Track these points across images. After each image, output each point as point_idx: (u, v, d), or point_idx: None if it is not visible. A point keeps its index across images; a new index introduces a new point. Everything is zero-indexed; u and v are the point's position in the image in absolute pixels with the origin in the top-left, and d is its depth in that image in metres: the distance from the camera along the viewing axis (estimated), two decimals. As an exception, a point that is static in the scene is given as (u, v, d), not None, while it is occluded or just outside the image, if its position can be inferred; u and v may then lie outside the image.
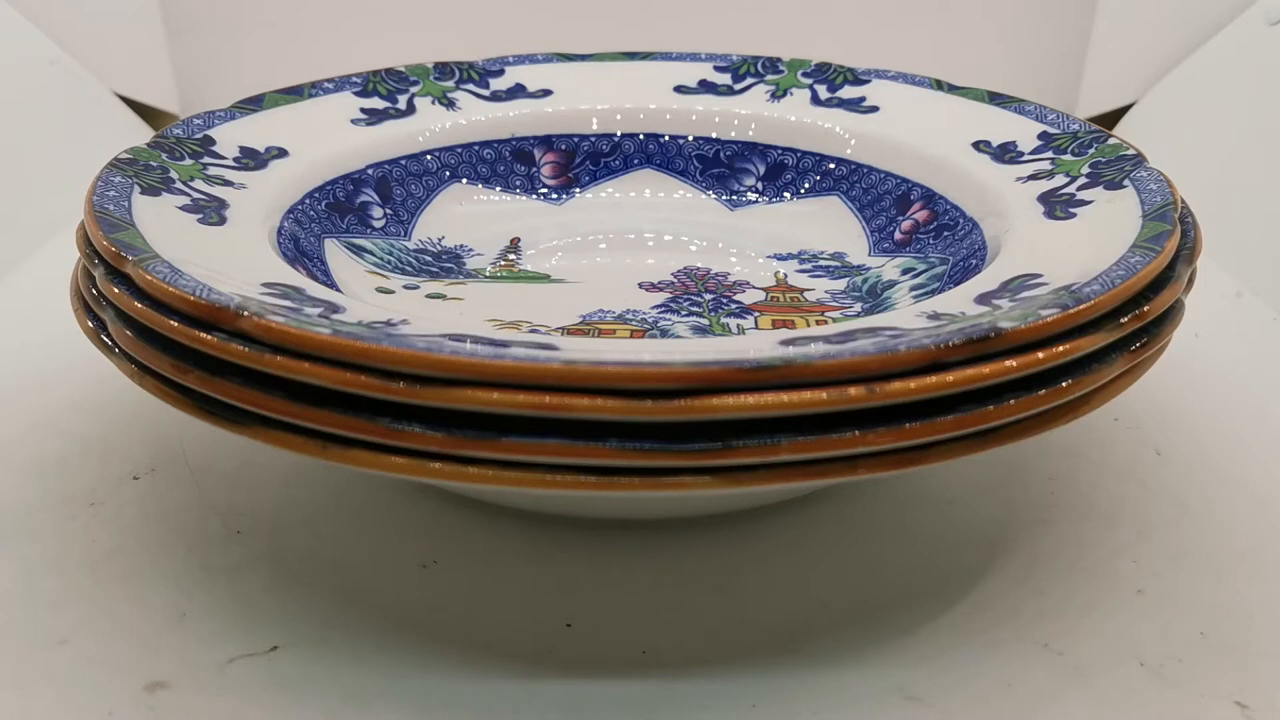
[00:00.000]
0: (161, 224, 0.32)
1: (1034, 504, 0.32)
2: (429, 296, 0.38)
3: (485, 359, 0.25)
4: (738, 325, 0.36)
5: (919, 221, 0.40)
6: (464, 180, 0.43)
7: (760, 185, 0.44)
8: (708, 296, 0.38)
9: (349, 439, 0.26)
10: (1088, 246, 0.32)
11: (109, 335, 0.30)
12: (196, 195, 0.35)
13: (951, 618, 0.31)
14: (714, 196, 0.44)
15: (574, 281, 0.39)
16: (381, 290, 0.37)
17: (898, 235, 0.40)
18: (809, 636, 0.30)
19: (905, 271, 0.38)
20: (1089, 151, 0.38)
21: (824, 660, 0.30)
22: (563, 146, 0.44)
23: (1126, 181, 0.35)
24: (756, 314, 0.37)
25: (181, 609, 0.31)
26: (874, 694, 0.29)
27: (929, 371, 0.26)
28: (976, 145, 0.40)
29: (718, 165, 0.44)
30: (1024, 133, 0.40)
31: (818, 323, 0.36)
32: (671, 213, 0.43)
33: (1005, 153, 0.39)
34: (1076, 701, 0.28)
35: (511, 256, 0.41)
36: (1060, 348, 0.27)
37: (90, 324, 0.30)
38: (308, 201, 0.38)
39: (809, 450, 0.25)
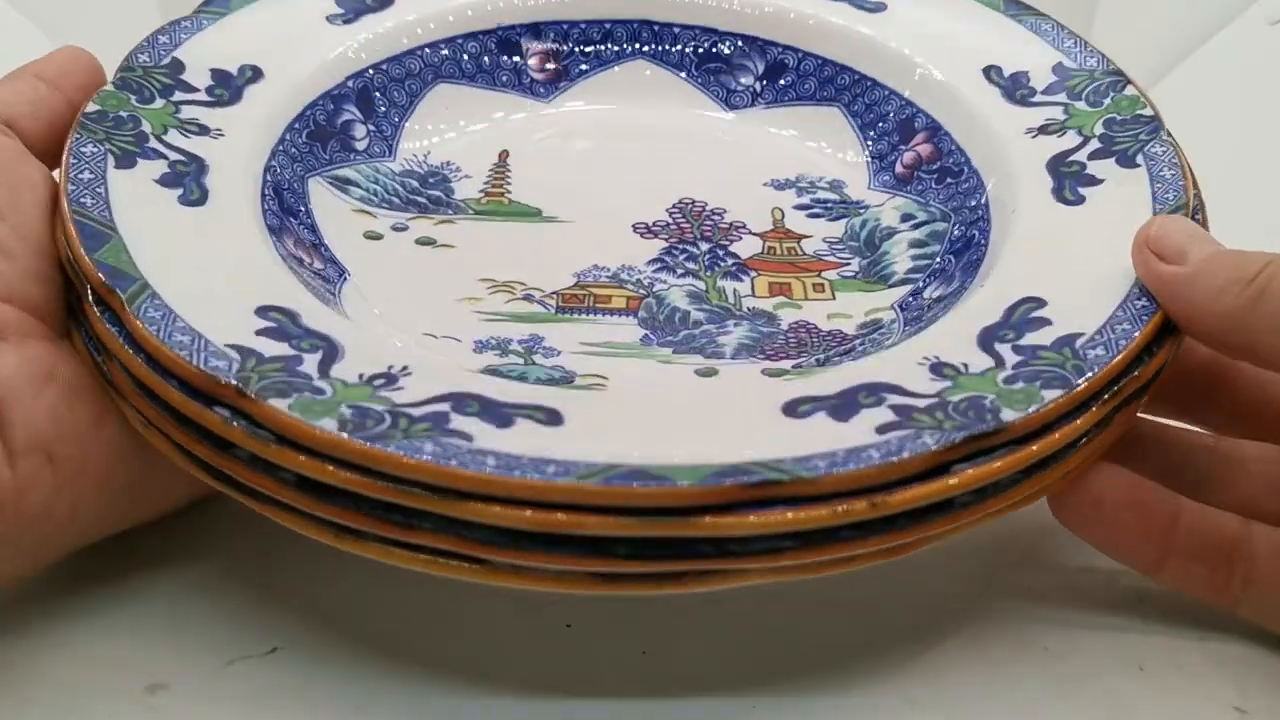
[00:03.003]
0: (143, 218, 0.31)
1: (1036, 508, 0.32)
2: (418, 243, 0.37)
3: (493, 474, 0.25)
4: (734, 291, 0.36)
5: (921, 156, 0.38)
6: (448, 81, 0.41)
7: (759, 86, 0.42)
8: (704, 247, 0.37)
9: (362, 531, 0.27)
10: (1096, 262, 0.31)
11: (110, 377, 0.29)
12: (174, 157, 0.33)
13: (952, 621, 0.32)
14: (710, 95, 0.42)
15: (565, 220, 0.38)
16: (370, 236, 0.36)
17: (899, 168, 0.39)
18: (809, 638, 0.31)
19: (905, 219, 0.37)
20: (1104, 102, 0.36)
21: (824, 662, 0.30)
22: (551, 35, 0.42)
23: (1140, 158, 0.34)
24: (753, 273, 0.36)
25: (182, 610, 0.31)
26: (874, 696, 0.30)
27: (932, 475, 0.26)
28: (988, 73, 0.38)
29: (714, 60, 0.42)
30: (1038, 62, 0.38)
31: (815, 288, 0.36)
32: (665, 111, 0.42)
33: (1017, 87, 0.38)
34: (1078, 706, 0.30)
35: (500, 179, 0.39)
36: (1057, 434, 0.27)
37: (90, 355, 0.30)
38: (288, 137, 0.37)
39: (810, 556, 0.26)
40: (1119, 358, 0.28)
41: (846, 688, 0.30)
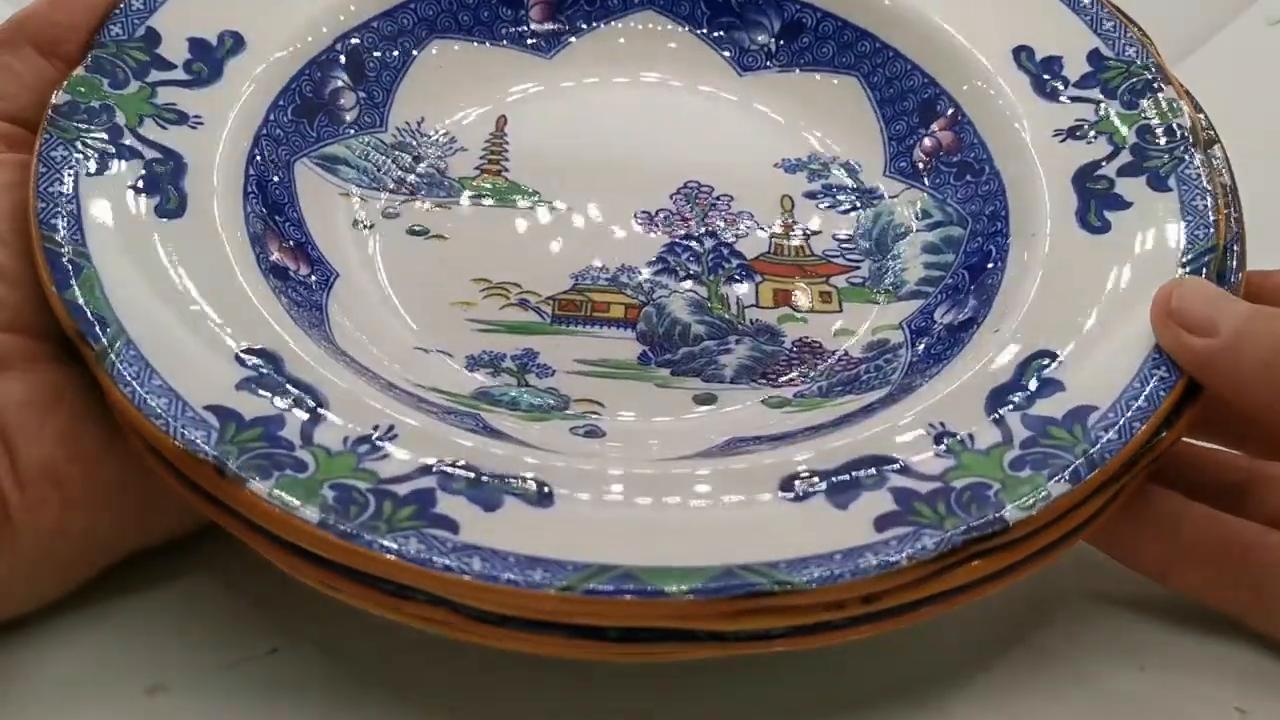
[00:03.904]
0: (118, 239, 0.30)
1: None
2: (410, 233, 0.35)
3: (478, 581, 0.25)
4: (737, 300, 0.34)
5: (942, 144, 0.36)
6: (443, 37, 0.38)
7: (773, 45, 0.39)
8: (708, 244, 0.35)
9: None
10: (1115, 311, 0.30)
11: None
12: (150, 155, 0.32)
13: (953, 619, 0.31)
14: (721, 53, 0.39)
15: (564, 206, 0.36)
16: (360, 225, 0.35)
17: (917, 154, 0.37)
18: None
19: (920, 216, 0.36)
20: (1140, 103, 0.34)
21: (825, 662, 0.30)
22: None
23: (1173, 181, 0.32)
24: (758, 277, 0.35)
25: (182, 611, 0.31)
26: (875, 693, 0.30)
27: (930, 578, 0.26)
28: (1018, 55, 0.36)
29: (728, 13, 0.39)
30: (1073, 46, 0.36)
31: (821, 297, 0.34)
32: (674, 74, 0.39)
33: (1048, 76, 0.35)
34: (1077, 705, 0.30)
35: (497, 153, 0.37)
36: (1059, 527, 0.27)
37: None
38: (273, 117, 0.34)
39: (803, 641, 0.26)
40: (1131, 445, 0.27)
41: (845, 683, 0.30)
